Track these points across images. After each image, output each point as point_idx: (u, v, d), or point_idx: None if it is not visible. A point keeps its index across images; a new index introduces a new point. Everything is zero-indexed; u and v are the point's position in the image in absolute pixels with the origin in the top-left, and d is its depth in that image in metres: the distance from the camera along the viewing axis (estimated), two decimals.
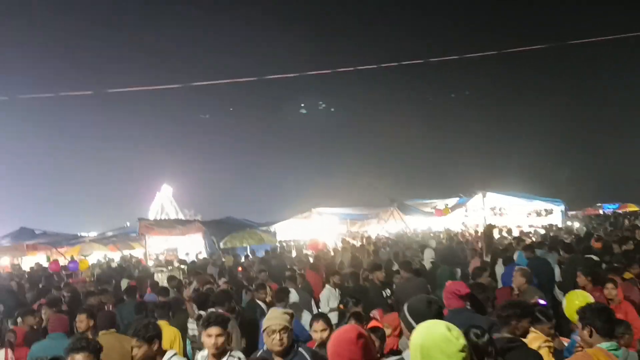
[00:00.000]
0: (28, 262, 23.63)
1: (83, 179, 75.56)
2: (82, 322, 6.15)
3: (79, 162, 77.75)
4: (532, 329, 4.54)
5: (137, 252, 25.80)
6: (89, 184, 75.33)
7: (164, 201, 56.70)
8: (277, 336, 3.95)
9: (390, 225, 26.61)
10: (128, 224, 32.96)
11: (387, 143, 71.69)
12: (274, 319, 4.05)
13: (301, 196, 47.52)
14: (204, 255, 20.37)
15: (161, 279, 13.12)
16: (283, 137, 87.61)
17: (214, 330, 4.38)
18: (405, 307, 3.27)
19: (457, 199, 26.48)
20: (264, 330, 4.07)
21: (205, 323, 4.48)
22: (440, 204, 23.75)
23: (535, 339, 4.41)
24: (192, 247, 24.46)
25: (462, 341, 2.44)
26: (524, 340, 4.23)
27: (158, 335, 4.54)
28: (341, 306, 6.58)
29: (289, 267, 13.20)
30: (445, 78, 74.99)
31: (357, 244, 19.92)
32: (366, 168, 65.88)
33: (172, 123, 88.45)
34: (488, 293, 5.38)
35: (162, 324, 6.70)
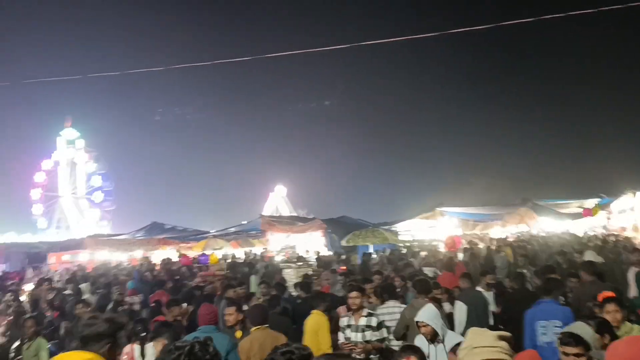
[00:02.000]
0: (158, 255, 24.88)
1: (204, 179, 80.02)
2: (230, 315, 5.73)
3: (199, 163, 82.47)
4: None
5: (257, 250, 26.18)
6: (210, 184, 79.51)
7: (278, 201, 58.05)
8: None
9: (513, 227, 24.60)
10: (244, 222, 33.81)
11: (513, 138, 67.06)
12: (483, 342, 2.49)
13: (422, 195, 45.99)
14: (321, 253, 19.98)
15: (290, 274, 12.79)
16: (399, 137, 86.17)
17: None
18: None
19: (598, 199, 23.80)
20: None
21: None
22: (588, 203, 21.34)
23: None
24: (311, 244, 24.28)
25: None
26: None
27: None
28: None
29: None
30: (581, 61, 68.44)
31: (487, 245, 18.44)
32: (491, 166, 62.39)
33: (286, 125, 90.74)
34: None
35: (316, 312, 6.28)
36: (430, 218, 22.98)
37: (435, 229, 22.89)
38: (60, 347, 8.73)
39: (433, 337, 4.91)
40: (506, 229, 24.26)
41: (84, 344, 2.66)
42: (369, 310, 6.19)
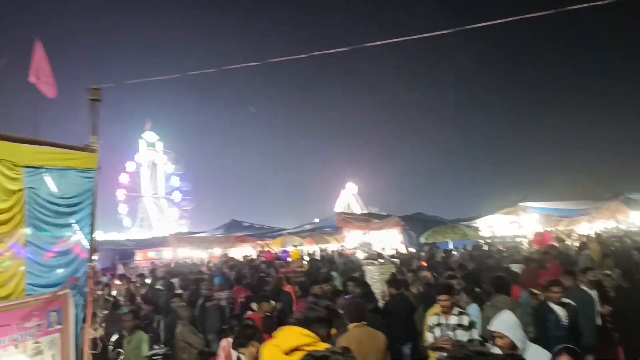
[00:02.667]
0: (236, 252, 25.53)
1: (277, 178, 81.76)
2: None
3: (272, 163, 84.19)
4: None
5: (332, 247, 26.19)
6: (283, 183, 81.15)
7: (349, 198, 58.06)
8: None
9: (601, 223, 23.05)
10: (317, 219, 33.98)
11: (600, 129, 63.35)
12: None
13: (499, 190, 44.63)
14: (399, 250, 19.66)
15: (372, 272, 12.61)
16: (476, 130, 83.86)
17: None
18: None
19: None
20: None
21: None
22: None
23: None
24: (387, 242, 23.97)
25: None
26: None
27: None
28: None
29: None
30: None
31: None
32: (575, 158, 59.43)
33: (358, 123, 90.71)
34: None
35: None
36: (511, 213, 22.01)
37: (517, 224, 21.95)
38: (156, 340, 9.06)
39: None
40: (593, 225, 22.83)
41: (307, 325, 3.07)
42: (460, 309, 5.91)
